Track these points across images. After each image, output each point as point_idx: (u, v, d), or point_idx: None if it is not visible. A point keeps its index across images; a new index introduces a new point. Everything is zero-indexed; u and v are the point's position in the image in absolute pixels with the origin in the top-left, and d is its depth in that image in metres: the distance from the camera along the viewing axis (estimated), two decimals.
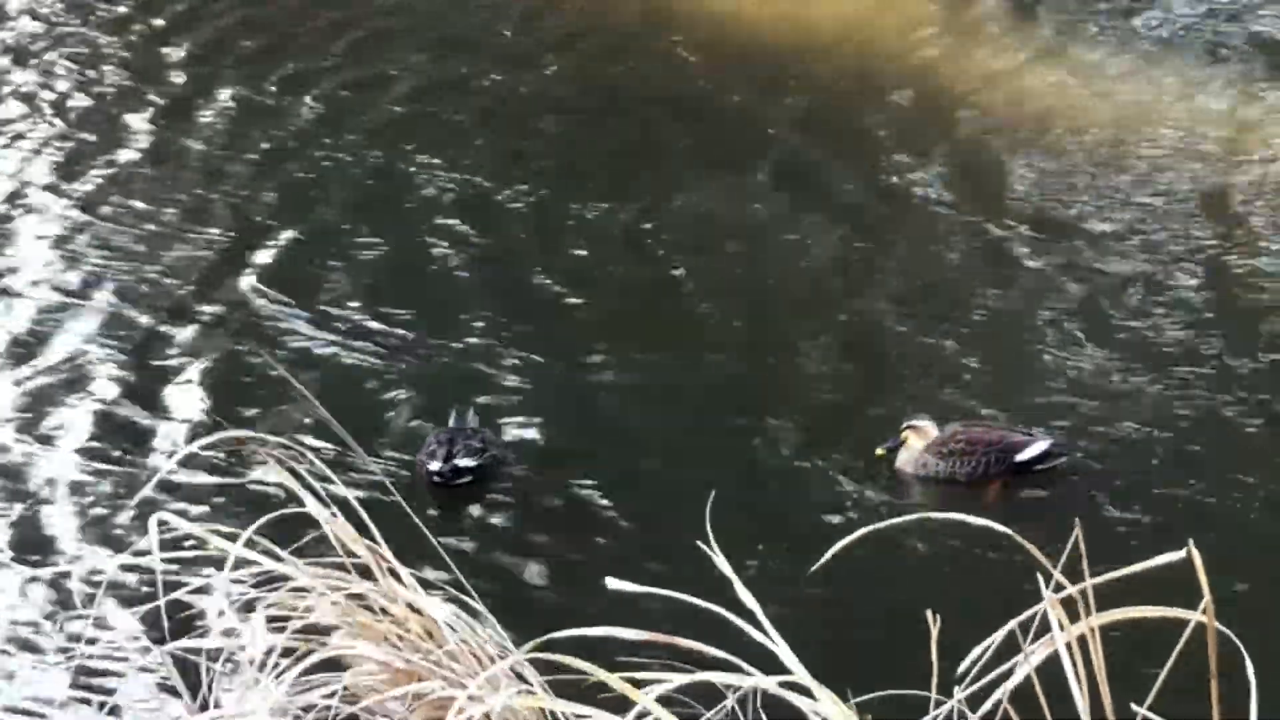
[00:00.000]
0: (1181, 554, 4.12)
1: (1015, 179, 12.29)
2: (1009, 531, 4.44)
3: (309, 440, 9.06)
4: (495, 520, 8.87)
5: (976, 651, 4.39)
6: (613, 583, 5.20)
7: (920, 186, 12.28)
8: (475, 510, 8.91)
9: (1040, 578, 4.39)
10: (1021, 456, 8.97)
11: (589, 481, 9.12)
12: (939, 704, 4.73)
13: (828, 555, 4.99)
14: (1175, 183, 12.20)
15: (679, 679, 4.90)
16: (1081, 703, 4.30)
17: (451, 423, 9.28)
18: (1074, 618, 4.36)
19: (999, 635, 4.49)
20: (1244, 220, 11.73)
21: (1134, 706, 4.35)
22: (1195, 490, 8.87)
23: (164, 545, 7.33)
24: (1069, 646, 4.34)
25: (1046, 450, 8.98)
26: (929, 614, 4.85)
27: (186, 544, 6.96)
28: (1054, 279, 11.01)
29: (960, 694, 4.52)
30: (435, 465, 8.92)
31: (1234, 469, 9.00)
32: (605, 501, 8.96)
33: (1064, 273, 11.06)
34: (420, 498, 8.78)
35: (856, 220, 11.92)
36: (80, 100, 13.54)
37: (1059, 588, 4.31)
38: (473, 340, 10.42)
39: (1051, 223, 11.70)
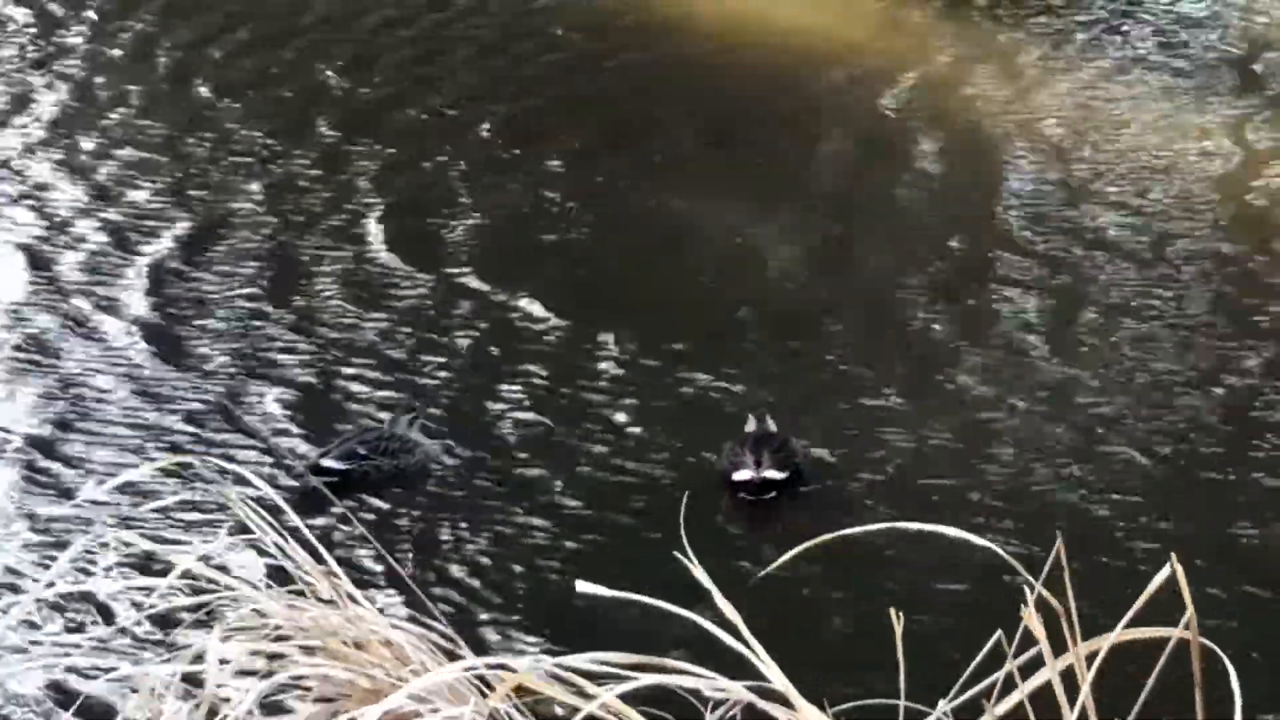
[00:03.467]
0: (1166, 571, 4.11)
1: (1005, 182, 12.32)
2: (991, 545, 4.41)
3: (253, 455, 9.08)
4: (445, 529, 8.79)
5: (968, 672, 4.38)
6: (583, 586, 5.11)
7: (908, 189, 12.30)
8: (424, 520, 8.84)
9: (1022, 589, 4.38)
10: (734, 476, 9.19)
11: (556, 486, 9.08)
12: (922, 716, 4.71)
13: (783, 559, 4.97)
14: (1161, 188, 12.28)
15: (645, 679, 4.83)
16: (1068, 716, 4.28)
17: (386, 426, 9.22)
18: (1056, 632, 4.34)
19: (985, 649, 4.49)
20: (1226, 227, 11.77)
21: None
22: (1176, 499, 8.87)
23: (109, 569, 7.32)
24: (1054, 657, 4.33)
25: (747, 480, 9.12)
26: (892, 612, 4.82)
27: (133, 569, 6.93)
28: (1049, 283, 11.03)
29: (945, 706, 4.50)
30: (310, 460, 8.94)
31: (1218, 476, 9.03)
32: (569, 507, 8.91)
33: (1061, 276, 11.08)
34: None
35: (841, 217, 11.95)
36: None
37: (1041, 601, 4.28)
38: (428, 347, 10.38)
39: (1041, 227, 11.74)
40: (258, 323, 10.57)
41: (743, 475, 9.17)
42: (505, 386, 9.93)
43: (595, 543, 8.65)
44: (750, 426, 9.44)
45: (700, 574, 4.72)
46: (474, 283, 11.04)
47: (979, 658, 4.52)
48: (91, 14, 15.26)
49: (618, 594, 5.06)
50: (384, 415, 9.46)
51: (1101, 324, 10.54)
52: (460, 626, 7.00)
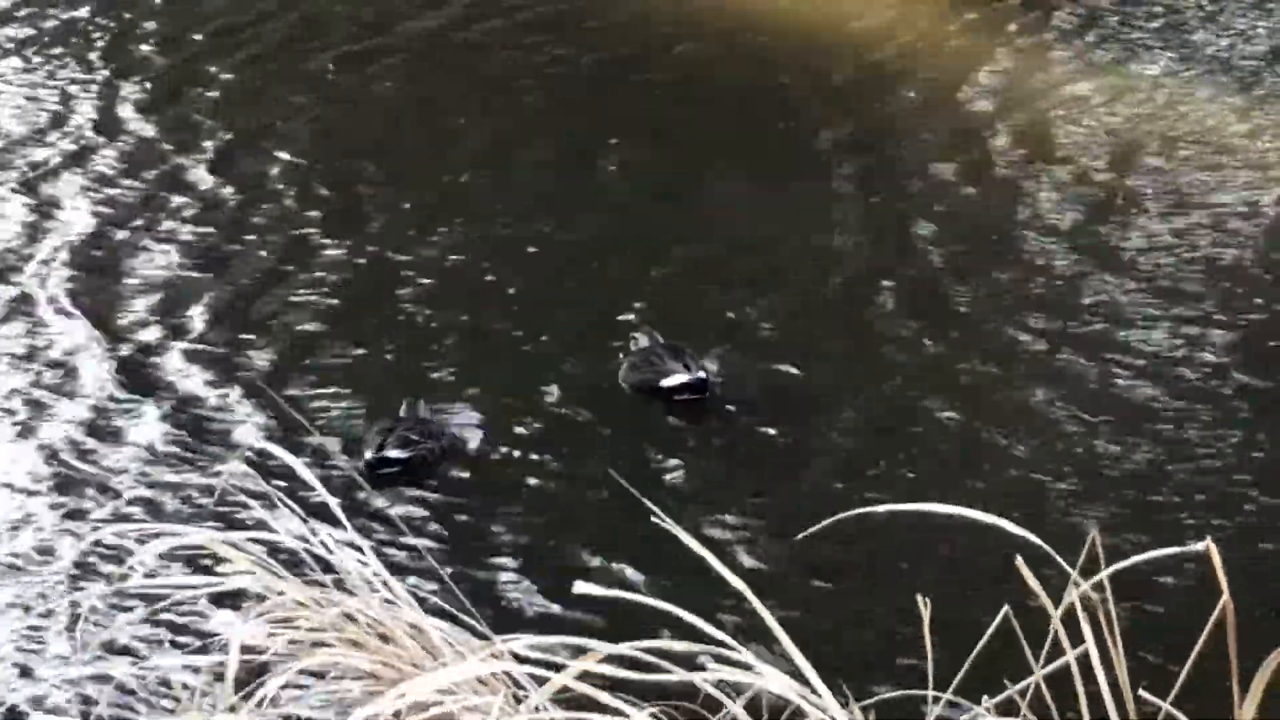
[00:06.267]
0: (1201, 547, 4.14)
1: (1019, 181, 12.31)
2: (1027, 534, 4.44)
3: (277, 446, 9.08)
4: (469, 514, 8.79)
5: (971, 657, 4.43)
6: (581, 587, 5.12)
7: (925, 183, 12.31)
8: (452, 505, 8.84)
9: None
10: (664, 383, 9.55)
11: (561, 470, 9.10)
12: (954, 707, 4.75)
13: (816, 528, 4.99)
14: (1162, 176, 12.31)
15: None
16: (1108, 702, 4.33)
17: (402, 413, 9.28)
18: (1090, 616, 4.39)
19: (993, 626, 4.53)
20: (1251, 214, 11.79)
21: (1157, 700, 4.38)
22: (1214, 485, 8.83)
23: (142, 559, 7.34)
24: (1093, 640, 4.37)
25: (686, 383, 9.51)
26: (919, 599, 4.85)
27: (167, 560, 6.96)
28: (1066, 273, 11.00)
29: (989, 703, 4.54)
30: (367, 455, 8.97)
31: (1254, 462, 8.99)
32: (578, 490, 8.92)
33: (1077, 267, 11.07)
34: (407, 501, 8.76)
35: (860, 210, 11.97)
36: None
37: (1080, 591, 4.32)
38: (430, 331, 10.39)
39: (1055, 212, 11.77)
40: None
41: (679, 379, 9.51)
42: (502, 366, 10.01)
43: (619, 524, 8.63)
44: (643, 342, 9.80)
45: (718, 565, 4.73)
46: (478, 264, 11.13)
47: (984, 639, 4.54)
48: None
49: (616, 593, 5.09)
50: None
51: (1139, 309, 10.55)
52: (496, 616, 7.04)
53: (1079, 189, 12.09)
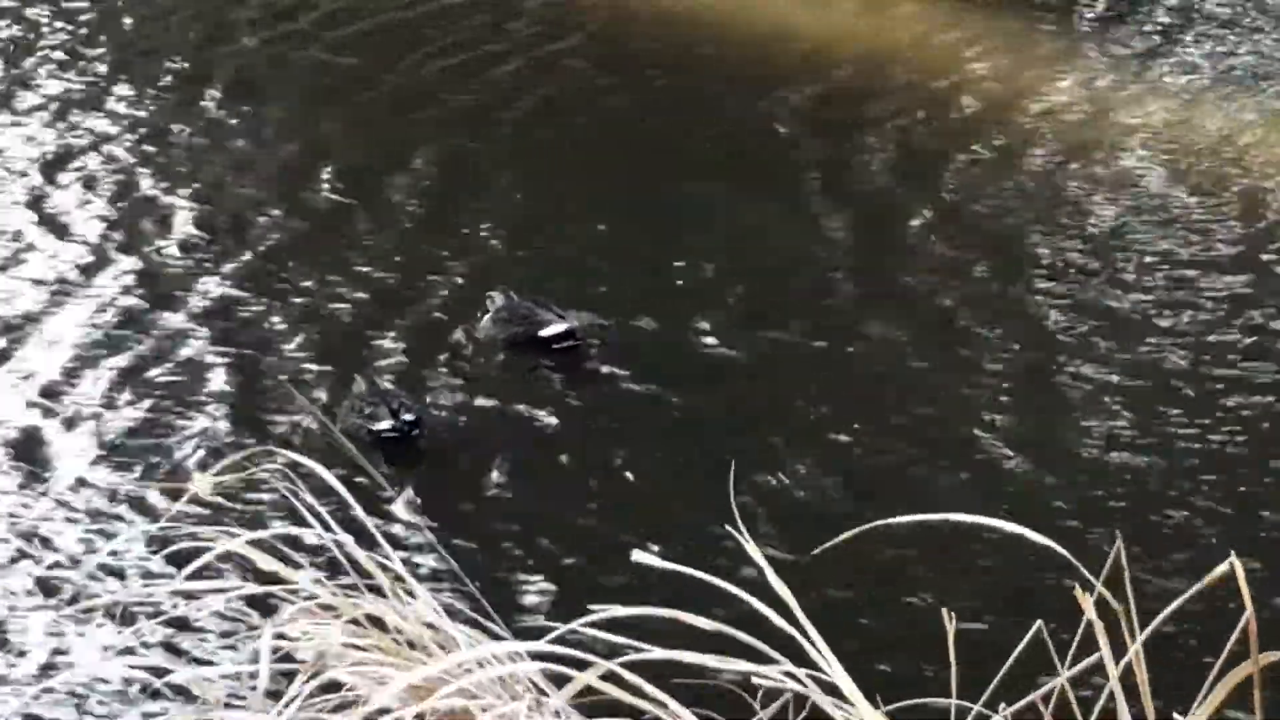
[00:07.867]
0: (1225, 567, 4.10)
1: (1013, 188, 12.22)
2: (1051, 544, 4.40)
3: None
4: (471, 499, 8.81)
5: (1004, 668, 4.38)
6: (639, 556, 5.08)
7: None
8: (441, 487, 8.86)
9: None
10: (543, 332, 9.83)
11: (565, 449, 9.12)
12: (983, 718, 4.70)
13: (834, 541, 4.96)
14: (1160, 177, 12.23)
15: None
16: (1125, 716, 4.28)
17: (358, 389, 9.33)
18: (1113, 626, 4.34)
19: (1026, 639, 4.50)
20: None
21: (1177, 717, 4.33)
22: (1237, 495, 8.77)
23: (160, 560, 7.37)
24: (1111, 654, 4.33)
25: (566, 331, 9.80)
26: (945, 613, 4.81)
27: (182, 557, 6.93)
28: (1072, 271, 10.96)
29: (1006, 711, 4.50)
30: (386, 424, 8.98)
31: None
32: (591, 474, 8.93)
33: (1084, 266, 11.02)
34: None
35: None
36: None
37: (1101, 601, 4.27)
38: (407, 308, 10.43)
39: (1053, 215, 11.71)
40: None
41: (556, 329, 9.82)
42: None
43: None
44: (499, 300, 10.04)
45: (754, 551, 4.70)
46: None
47: (1017, 651, 4.51)
48: None
49: (672, 566, 5.04)
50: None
51: (1158, 307, 10.49)
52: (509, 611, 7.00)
53: (1034, 189, 12.08)
